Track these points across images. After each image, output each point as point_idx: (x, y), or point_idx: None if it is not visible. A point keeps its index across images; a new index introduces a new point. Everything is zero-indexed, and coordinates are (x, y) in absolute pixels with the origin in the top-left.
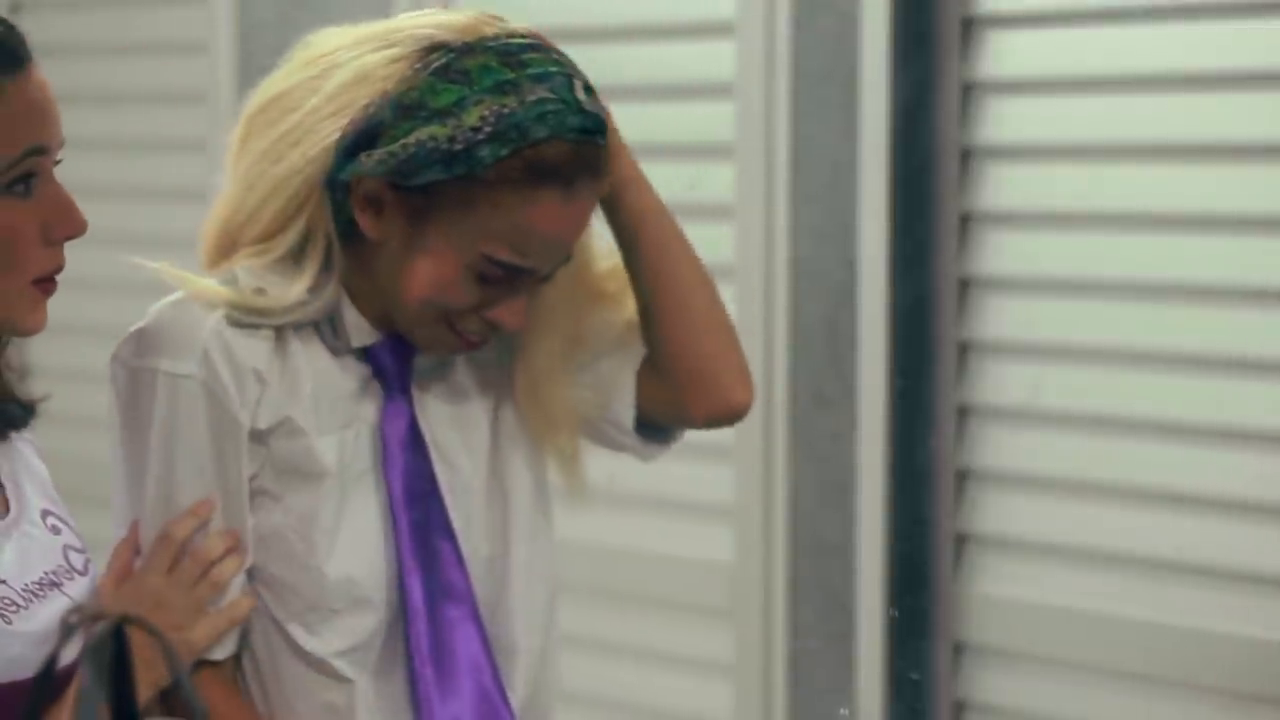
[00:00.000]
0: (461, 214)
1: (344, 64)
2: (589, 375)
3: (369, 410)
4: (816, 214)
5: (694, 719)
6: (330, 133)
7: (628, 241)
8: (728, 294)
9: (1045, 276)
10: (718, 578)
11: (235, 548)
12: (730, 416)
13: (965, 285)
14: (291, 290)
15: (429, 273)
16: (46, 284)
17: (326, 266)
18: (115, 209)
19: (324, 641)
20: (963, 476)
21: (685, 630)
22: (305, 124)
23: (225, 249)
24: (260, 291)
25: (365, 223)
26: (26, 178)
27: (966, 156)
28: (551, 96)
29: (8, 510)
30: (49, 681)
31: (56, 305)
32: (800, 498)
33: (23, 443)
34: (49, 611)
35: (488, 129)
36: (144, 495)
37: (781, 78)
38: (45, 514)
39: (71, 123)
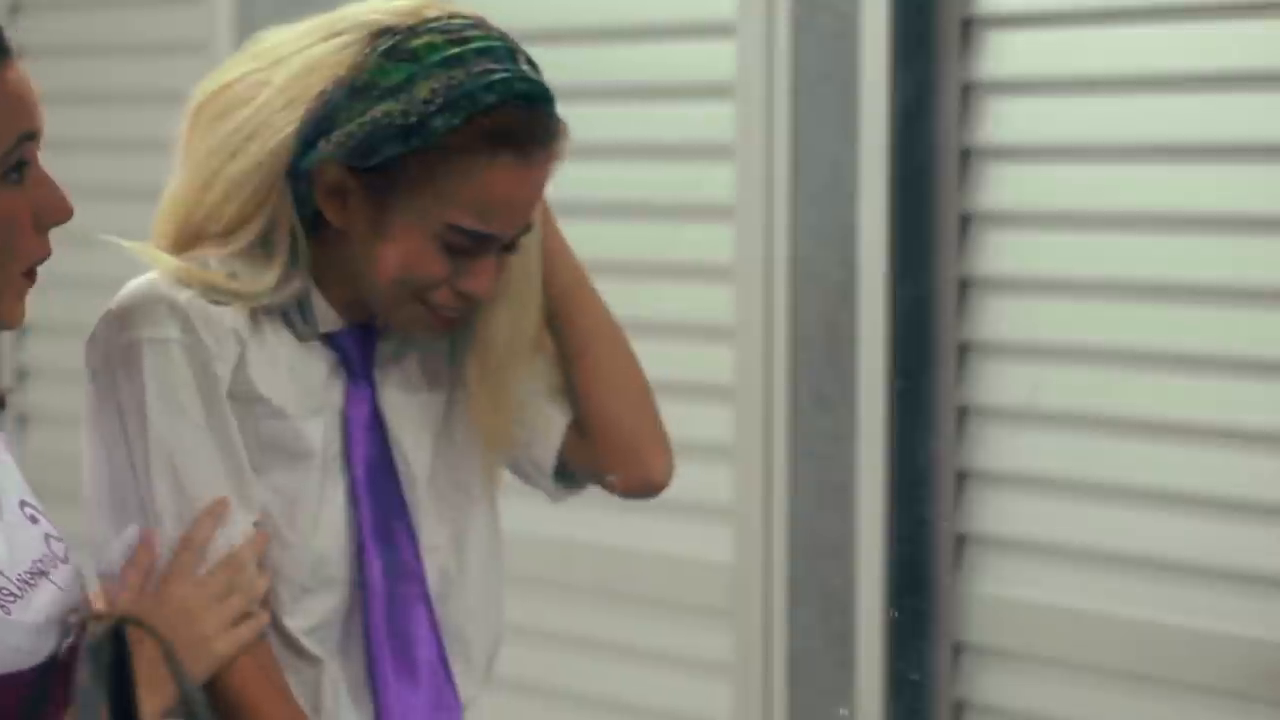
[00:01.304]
0: (423, 188)
1: (291, 56)
2: (525, 411)
3: (336, 396)
4: (816, 214)
5: (694, 719)
6: (286, 124)
7: (555, 312)
8: (728, 294)
9: (1045, 276)
10: (717, 578)
11: (263, 555)
12: (646, 491)
13: (965, 285)
14: (263, 278)
15: (398, 251)
16: (31, 275)
17: (293, 257)
18: (115, 209)
19: (294, 619)
20: (963, 477)
21: (684, 630)
22: (259, 117)
23: (184, 243)
24: (233, 276)
25: (331, 212)
26: (20, 165)
27: (966, 157)
28: (497, 67)
29: None
30: (47, 682)
31: (55, 305)
32: (800, 498)
33: None
34: (42, 600)
35: (439, 100)
36: (149, 470)
37: (781, 78)
38: (22, 504)
39: (71, 123)
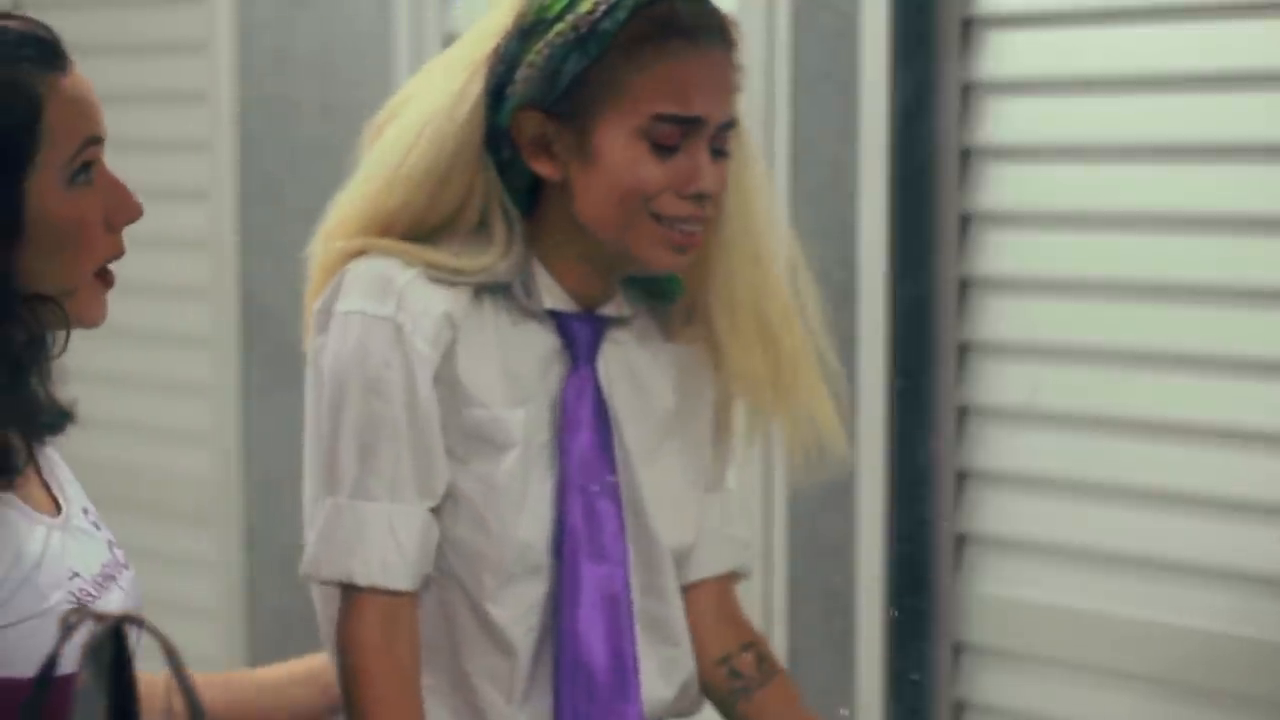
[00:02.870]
0: (613, 95)
1: (452, 50)
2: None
3: (551, 383)
4: (816, 214)
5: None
6: (469, 94)
7: None
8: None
9: (1045, 276)
10: None
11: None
12: None
13: (965, 285)
14: (485, 255)
15: (612, 168)
16: (106, 275)
17: (511, 235)
18: None
19: (499, 606)
20: (963, 477)
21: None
22: (438, 93)
23: (372, 229)
24: (456, 254)
25: (541, 165)
26: (87, 167)
27: (966, 156)
28: None
29: (59, 509)
30: (48, 683)
31: None
32: (800, 498)
33: (49, 446)
34: (115, 603)
35: (602, 7)
36: (338, 439)
37: (781, 77)
38: (85, 511)
39: None
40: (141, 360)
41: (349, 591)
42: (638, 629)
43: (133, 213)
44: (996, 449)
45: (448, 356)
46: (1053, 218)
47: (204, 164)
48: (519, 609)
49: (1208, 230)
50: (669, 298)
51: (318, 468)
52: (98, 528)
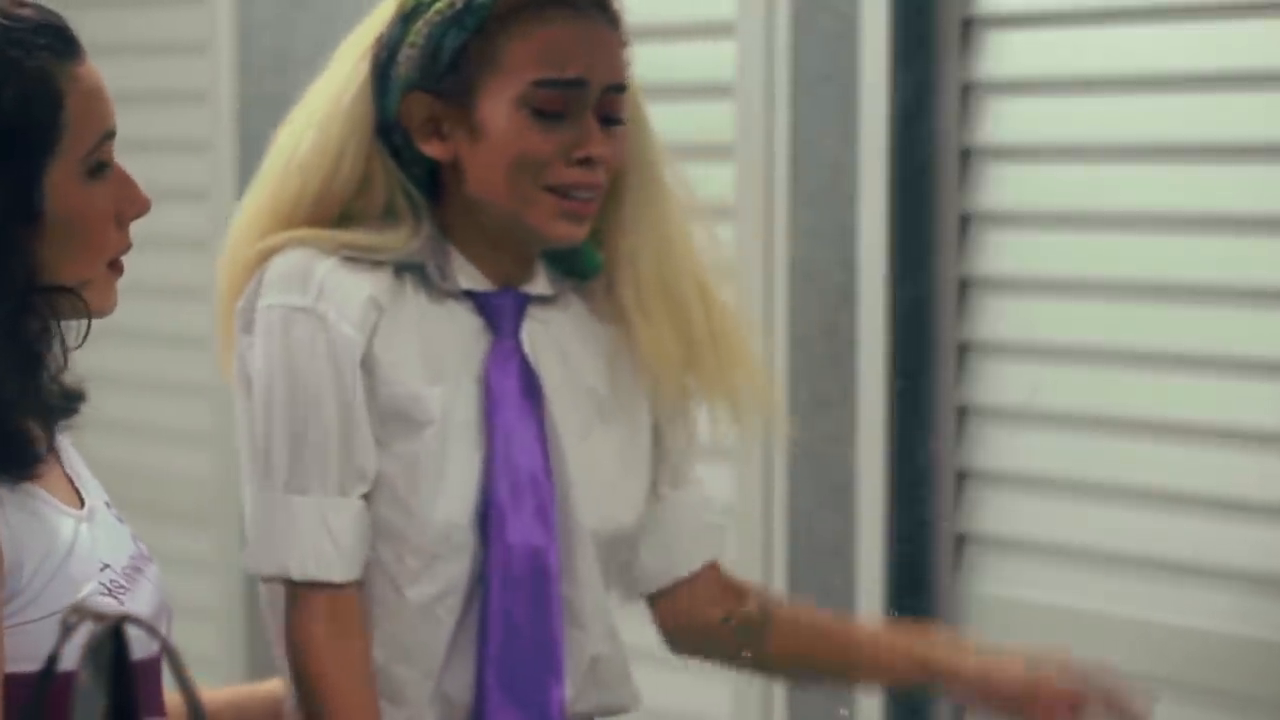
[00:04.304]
0: (493, 68)
1: (347, 39)
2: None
3: (475, 361)
4: (816, 215)
5: (694, 719)
6: (354, 76)
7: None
8: (727, 295)
9: (1045, 276)
10: None
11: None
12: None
13: (965, 285)
14: (397, 234)
15: (498, 140)
16: (117, 265)
17: (417, 219)
18: None
19: (421, 585)
20: (963, 477)
21: None
22: (326, 83)
23: (278, 221)
24: (369, 235)
25: (433, 148)
26: (103, 164)
27: (966, 156)
28: None
29: (81, 502)
30: (50, 682)
31: None
32: (800, 498)
33: (65, 438)
34: (145, 595)
35: None
36: (270, 434)
37: (781, 78)
38: (107, 504)
39: None
40: (141, 360)
41: (291, 588)
42: None
43: (142, 208)
44: (996, 449)
45: (371, 338)
46: (1053, 218)
47: (204, 164)
48: (441, 587)
49: (1208, 230)
50: (586, 275)
51: (252, 464)
52: (120, 521)
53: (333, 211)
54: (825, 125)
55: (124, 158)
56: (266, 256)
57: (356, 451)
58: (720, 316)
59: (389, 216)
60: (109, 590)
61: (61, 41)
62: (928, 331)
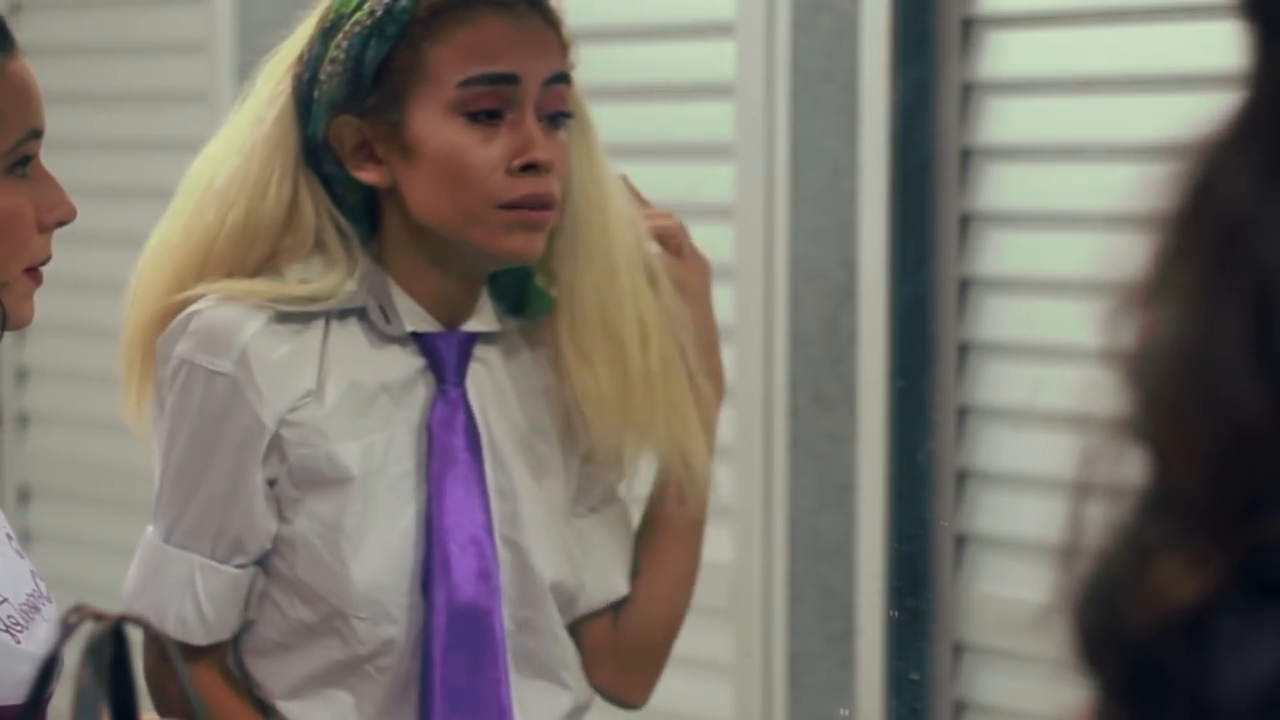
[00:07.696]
0: (420, 75)
1: (265, 64)
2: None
3: (413, 410)
4: (816, 215)
5: (694, 719)
6: (275, 97)
7: (658, 530)
8: (727, 295)
9: (1045, 276)
10: (717, 578)
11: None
12: (616, 703)
13: (965, 285)
14: (332, 276)
15: (435, 155)
16: (36, 274)
17: (350, 254)
18: (115, 209)
19: (351, 646)
20: (963, 477)
21: (685, 630)
22: (245, 108)
23: (192, 260)
24: (305, 281)
25: (367, 174)
26: (25, 160)
27: (966, 156)
28: None
29: None
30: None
31: (54, 305)
32: (800, 498)
33: None
34: (41, 634)
35: None
36: (172, 486)
37: (781, 78)
38: (9, 537)
39: (71, 123)
40: None
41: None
42: (511, 665)
43: (66, 213)
44: (996, 449)
45: (287, 413)
46: (1053, 217)
47: None
48: (372, 649)
49: None
50: (534, 315)
51: (154, 499)
52: (21, 555)
53: (255, 250)
54: (825, 125)
55: (124, 158)
56: (185, 307)
57: (237, 525)
58: (657, 357)
59: (318, 251)
60: (5, 627)
61: None
62: (928, 331)
